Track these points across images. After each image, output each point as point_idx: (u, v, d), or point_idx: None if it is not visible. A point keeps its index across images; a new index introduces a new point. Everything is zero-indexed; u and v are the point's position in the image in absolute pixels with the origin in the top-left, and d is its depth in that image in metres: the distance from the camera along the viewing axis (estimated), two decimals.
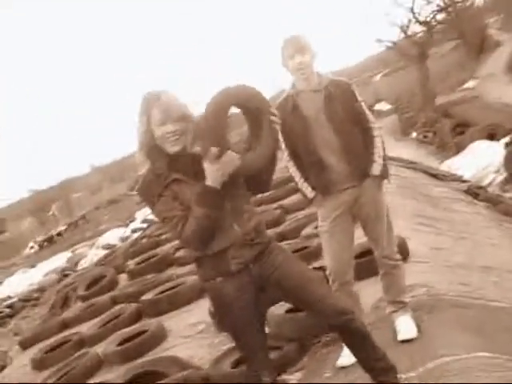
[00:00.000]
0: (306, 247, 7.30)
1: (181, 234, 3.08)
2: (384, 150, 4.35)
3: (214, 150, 3.00)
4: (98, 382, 5.88)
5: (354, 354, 3.45)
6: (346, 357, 4.13)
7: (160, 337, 6.42)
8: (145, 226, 20.33)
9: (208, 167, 3.04)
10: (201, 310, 6.68)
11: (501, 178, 17.53)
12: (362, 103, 4.40)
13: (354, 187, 4.26)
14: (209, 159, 3.02)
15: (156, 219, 3.75)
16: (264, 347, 3.38)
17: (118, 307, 8.10)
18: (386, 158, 4.36)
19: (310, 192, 4.28)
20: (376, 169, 4.28)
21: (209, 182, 3.04)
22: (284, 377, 4.50)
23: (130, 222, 25.29)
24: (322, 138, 4.19)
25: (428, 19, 40.50)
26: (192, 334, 6.28)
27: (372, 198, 4.32)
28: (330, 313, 3.25)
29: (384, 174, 4.34)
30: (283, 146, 4.26)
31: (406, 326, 4.34)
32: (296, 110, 4.23)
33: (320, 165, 4.21)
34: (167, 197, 3.11)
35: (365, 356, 3.40)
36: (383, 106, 44.79)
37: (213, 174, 3.04)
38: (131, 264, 10.86)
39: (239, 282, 3.18)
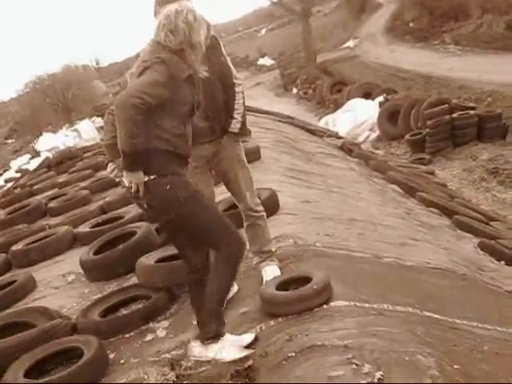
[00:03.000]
0: None
1: None
2: (244, 107, 4.40)
3: None
4: None
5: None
6: None
7: (29, 287, 6.26)
8: (19, 175, 19.62)
9: None
10: (71, 261, 6.58)
11: (374, 135, 18.22)
12: (228, 58, 4.38)
13: (211, 142, 4.30)
14: None
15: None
16: None
17: None
18: (245, 115, 4.41)
19: None
20: (235, 126, 4.33)
21: None
22: (151, 324, 4.55)
23: (4, 171, 24.37)
24: None
25: None
26: (62, 285, 6.18)
27: (230, 154, 4.38)
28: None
29: (242, 132, 4.40)
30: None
31: (271, 275, 4.47)
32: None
33: None
34: None
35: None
36: (266, 61, 45.07)
37: None
38: (2, 214, 10.49)
39: None
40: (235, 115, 4.32)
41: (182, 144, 3.58)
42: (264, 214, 4.64)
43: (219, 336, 3.70)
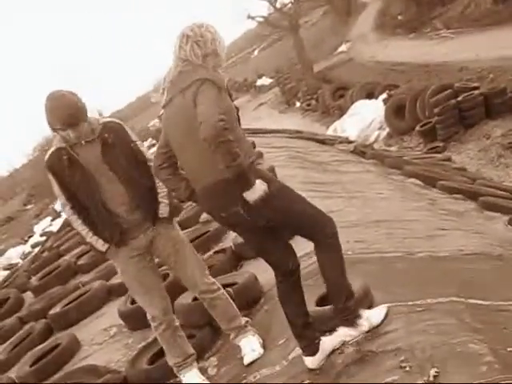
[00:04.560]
0: (205, 232, 7.37)
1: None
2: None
3: None
4: None
5: None
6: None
7: (74, 348, 6.30)
8: (44, 239, 19.79)
9: None
10: (110, 314, 6.62)
11: (384, 133, 18.17)
12: (138, 142, 4.25)
13: (145, 232, 4.16)
14: None
15: None
16: None
17: (26, 327, 7.88)
18: (171, 196, 4.23)
19: (101, 245, 4.09)
20: (164, 210, 4.18)
21: None
22: (200, 364, 4.53)
23: (29, 237, 24.58)
24: (108, 189, 4.04)
25: None
26: (106, 339, 6.22)
27: (166, 238, 4.22)
28: None
29: (173, 213, 4.26)
30: (63, 199, 4.06)
31: (249, 348, 4.28)
32: (74, 163, 4.00)
33: (110, 218, 4.06)
34: None
35: None
36: (265, 81, 45.23)
37: None
38: (35, 280, 10.56)
39: None
40: (161, 199, 4.18)
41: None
42: (220, 290, 4.38)
43: (358, 312, 3.68)
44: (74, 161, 3.99)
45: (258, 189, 3.33)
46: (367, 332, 3.66)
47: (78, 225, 4.08)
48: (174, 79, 3.53)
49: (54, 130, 3.98)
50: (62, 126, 3.91)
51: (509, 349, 3.28)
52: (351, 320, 3.63)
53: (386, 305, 3.78)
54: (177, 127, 3.52)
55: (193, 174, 3.60)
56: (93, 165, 4.02)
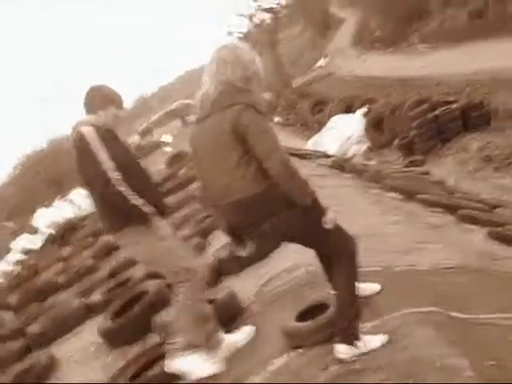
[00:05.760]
0: None
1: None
2: None
3: None
4: None
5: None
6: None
7: (51, 367, 6.23)
8: (23, 257, 19.54)
9: None
10: (89, 332, 6.55)
11: (364, 147, 18.23)
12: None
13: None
14: None
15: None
16: None
17: (4, 346, 7.76)
18: None
19: (148, 209, 4.21)
20: None
21: None
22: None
23: (6, 253, 24.27)
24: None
25: (272, 6, 41.14)
26: (84, 358, 6.15)
27: None
28: None
29: None
30: (111, 165, 4.10)
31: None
32: (116, 139, 4.32)
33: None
34: None
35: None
36: None
37: None
38: (13, 298, 10.45)
39: None
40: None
41: None
42: None
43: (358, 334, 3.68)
44: (116, 137, 4.26)
45: (332, 215, 3.62)
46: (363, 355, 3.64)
47: (125, 189, 4.10)
48: (215, 99, 3.54)
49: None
50: None
51: (490, 362, 3.29)
52: (351, 340, 3.64)
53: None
54: (206, 142, 3.57)
55: (217, 190, 3.61)
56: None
